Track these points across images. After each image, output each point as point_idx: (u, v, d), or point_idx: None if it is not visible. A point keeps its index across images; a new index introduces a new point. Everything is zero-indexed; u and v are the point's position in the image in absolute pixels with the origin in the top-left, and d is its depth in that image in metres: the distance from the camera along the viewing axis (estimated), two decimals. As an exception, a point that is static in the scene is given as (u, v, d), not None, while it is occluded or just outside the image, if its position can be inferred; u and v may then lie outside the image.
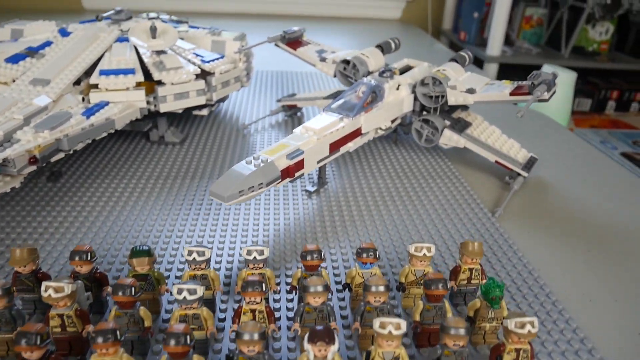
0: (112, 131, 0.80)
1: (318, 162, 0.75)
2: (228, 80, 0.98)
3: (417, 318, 0.53)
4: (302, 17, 2.77)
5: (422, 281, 0.57)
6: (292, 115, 1.15)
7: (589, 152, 1.10)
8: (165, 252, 0.67)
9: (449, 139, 0.93)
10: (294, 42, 1.09)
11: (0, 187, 0.65)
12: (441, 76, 0.90)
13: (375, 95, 0.85)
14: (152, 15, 1.16)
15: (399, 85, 0.91)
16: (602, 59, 2.43)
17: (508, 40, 2.31)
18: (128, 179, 0.84)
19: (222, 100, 1.06)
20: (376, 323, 0.44)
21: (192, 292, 0.46)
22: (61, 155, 0.72)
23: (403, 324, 0.43)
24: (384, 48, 1.06)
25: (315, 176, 0.88)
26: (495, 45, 2.17)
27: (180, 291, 0.46)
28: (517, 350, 0.47)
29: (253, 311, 0.49)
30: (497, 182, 0.92)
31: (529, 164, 0.92)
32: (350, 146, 0.82)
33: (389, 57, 1.06)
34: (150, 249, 0.53)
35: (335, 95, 1.05)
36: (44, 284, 0.45)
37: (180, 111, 0.93)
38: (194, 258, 0.51)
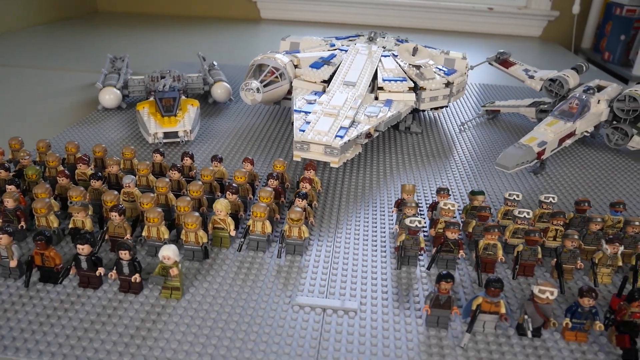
0: (398, 121, 1.15)
1: (551, 151, 1.06)
2: (459, 88, 1.31)
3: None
4: (442, 31, 3.05)
5: None
6: (493, 118, 1.46)
7: None
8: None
9: (638, 143, 1.20)
10: (504, 62, 1.40)
11: (350, 153, 1.01)
12: (637, 94, 1.18)
13: (585, 107, 1.14)
14: (381, 34, 1.52)
15: (599, 100, 1.19)
16: None
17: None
18: (390, 159, 1.20)
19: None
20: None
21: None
22: (377, 134, 1.09)
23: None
24: (577, 69, 1.35)
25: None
26: (641, 66, 2.36)
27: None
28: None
29: None
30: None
31: None
32: (568, 142, 1.12)
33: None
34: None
35: (536, 104, 1.35)
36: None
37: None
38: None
